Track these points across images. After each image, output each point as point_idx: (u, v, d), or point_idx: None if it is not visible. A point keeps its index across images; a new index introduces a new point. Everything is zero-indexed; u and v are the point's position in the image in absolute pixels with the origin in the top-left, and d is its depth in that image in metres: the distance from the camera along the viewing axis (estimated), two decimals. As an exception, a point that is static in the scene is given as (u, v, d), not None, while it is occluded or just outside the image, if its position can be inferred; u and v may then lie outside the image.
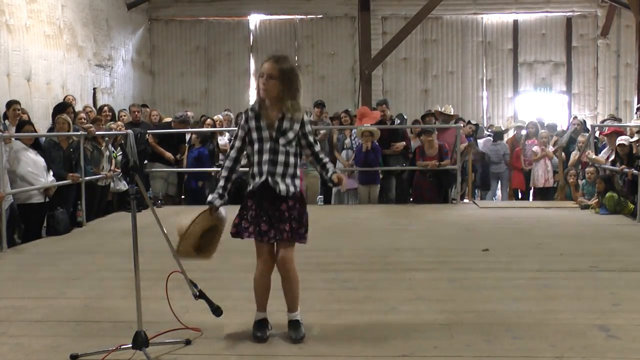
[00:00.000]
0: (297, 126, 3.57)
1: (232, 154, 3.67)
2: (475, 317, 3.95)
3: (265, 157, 3.53)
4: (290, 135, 3.55)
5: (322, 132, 10.04)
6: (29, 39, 9.90)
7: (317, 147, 3.72)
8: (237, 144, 3.67)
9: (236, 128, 3.78)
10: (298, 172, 3.61)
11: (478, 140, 11.38)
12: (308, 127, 3.64)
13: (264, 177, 3.51)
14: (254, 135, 3.57)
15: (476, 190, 11.36)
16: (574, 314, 3.99)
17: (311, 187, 9.59)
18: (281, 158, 3.54)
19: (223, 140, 10.52)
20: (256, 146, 3.57)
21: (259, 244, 3.60)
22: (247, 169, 3.70)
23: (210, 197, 3.63)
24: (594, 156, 9.33)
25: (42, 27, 10.26)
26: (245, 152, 3.69)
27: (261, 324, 3.64)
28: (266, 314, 3.68)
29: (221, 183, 3.65)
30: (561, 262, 5.55)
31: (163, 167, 10.09)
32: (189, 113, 10.96)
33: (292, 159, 3.57)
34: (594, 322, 3.81)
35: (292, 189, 3.54)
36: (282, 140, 3.54)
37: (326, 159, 3.75)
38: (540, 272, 5.14)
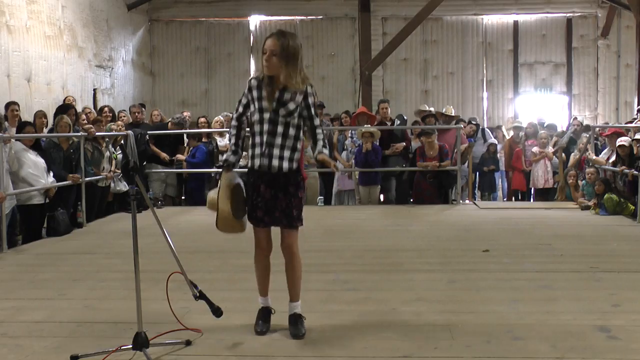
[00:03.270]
0: (299, 98, 3.55)
1: (235, 115, 3.72)
2: (475, 318, 3.95)
3: (265, 127, 3.53)
4: (291, 106, 3.53)
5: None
6: (29, 39, 9.90)
7: (317, 122, 3.68)
8: (240, 109, 3.70)
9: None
10: (299, 145, 3.58)
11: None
12: (310, 100, 3.61)
13: (262, 149, 3.52)
14: (255, 105, 3.58)
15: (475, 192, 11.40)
16: (574, 314, 3.99)
17: (311, 187, 9.58)
18: (280, 129, 3.53)
19: (223, 141, 10.52)
20: (256, 116, 3.57)
21: (255, 229, 3.65)
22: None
23: (225, 156, 3.68)
24: (594, 157, 9.33)
25: (42, 28, 10.27)
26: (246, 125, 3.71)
27: (263, 315, 3.68)
28: (268, 300, 3.72)
29: (232, 141, 3.71)
30: (561, 262, 5.55)
31: (160, 169, 10.07)
32: (185, 114, 10.95)
33: (291, 131, 3.55)
34: (594, 323, 3.81)
35: (286, 164, 3.52)
36: (282, 112, 3.52)
37: (320, 136, 3.70)
38: (541, 273, 5.14)
